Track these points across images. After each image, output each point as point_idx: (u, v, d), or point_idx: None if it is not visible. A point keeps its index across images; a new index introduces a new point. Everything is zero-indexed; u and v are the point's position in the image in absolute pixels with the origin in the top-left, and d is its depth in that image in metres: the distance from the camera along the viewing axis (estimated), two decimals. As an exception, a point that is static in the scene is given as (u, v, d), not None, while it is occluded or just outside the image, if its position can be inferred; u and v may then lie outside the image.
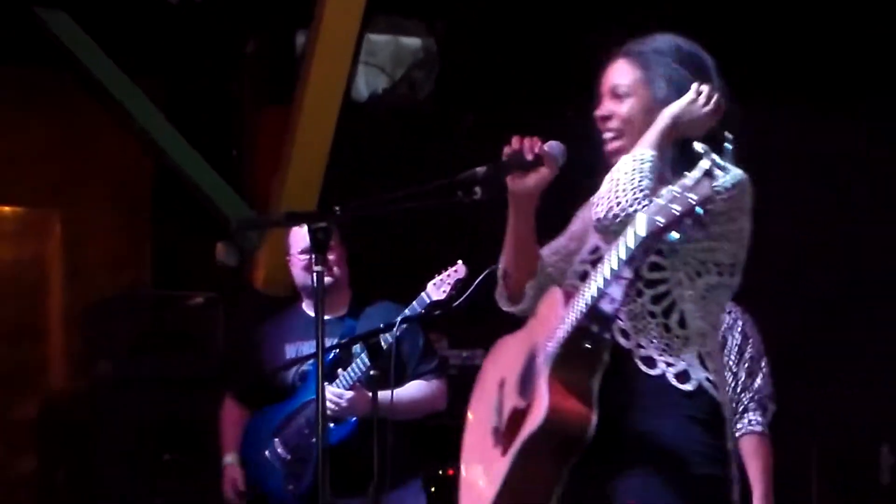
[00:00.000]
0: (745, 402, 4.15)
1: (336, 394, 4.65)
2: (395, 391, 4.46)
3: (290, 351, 4.92)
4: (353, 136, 6.54)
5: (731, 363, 4.15)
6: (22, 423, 7.09)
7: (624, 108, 2.93)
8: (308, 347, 4.80)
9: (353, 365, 4.67)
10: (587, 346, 2.78)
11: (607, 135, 2.95)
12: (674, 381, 2.80)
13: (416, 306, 4.63)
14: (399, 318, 4.50)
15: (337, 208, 3.14)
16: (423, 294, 4.62)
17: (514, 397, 2.90)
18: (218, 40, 6.91)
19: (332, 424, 4.66)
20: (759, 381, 4.17)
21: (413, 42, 6.95)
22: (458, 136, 6.62)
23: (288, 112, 6.51)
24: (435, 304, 4.58)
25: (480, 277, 3.90)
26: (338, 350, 4.69)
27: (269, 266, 6.53)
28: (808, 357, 6.47)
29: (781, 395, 6.26)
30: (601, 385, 2.77)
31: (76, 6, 6.42)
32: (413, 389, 4.81)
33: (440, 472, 5.83)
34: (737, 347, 4.16)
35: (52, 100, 7.03)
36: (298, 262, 4.88)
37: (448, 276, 4.60)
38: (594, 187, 2.89)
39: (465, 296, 4.33)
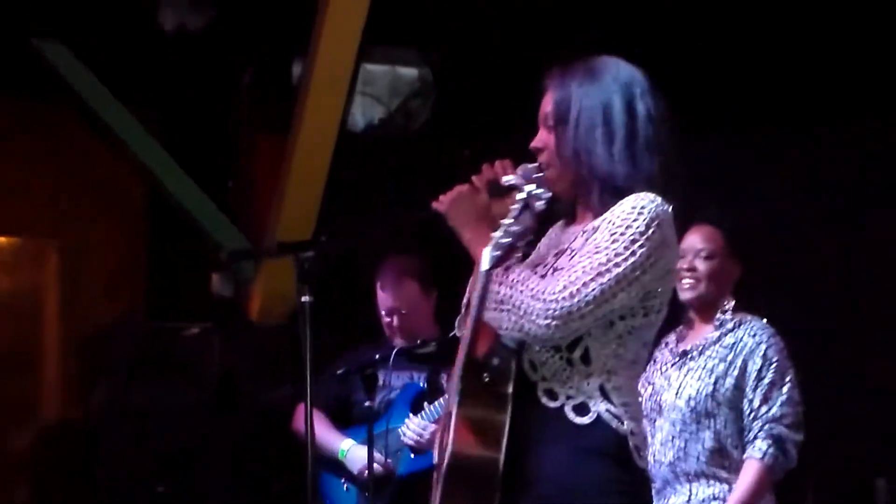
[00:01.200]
0: (756, 430, 4.04)
1: (421, 425, 4.69)
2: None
3: (381, 377, 4.94)
4: (349, 166, 6.53)
5: (747, 389, 4.06)
6: (16, 453, 7.06)
7: (553, 138, 2.88)
8: (395, 378, 4.84)
9: (442, 399, 4.68)
10: (486, 379, 2.77)
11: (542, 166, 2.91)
12: (570, 414, 2.76)
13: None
14: (394, 352, 4.51)
15: (323, 238, 3.15)
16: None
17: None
18: (214, 70, 6.91)
19: (412, 455, 4.69)
20: (775, 409, 4.03)
21: (409, 72, 6.95)
22: (455, 166, 6.61)
23: (284, 142, 6.51)
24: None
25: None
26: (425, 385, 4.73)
27: (265, 297, 6.53)
28: (803, 387, 6.44)
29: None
30: (513, 413, 2.75)
31: (73, 37, 6.42)
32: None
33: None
34: (755, 372, 4.06)
35: (47, 130, 7.02)
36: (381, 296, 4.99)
37: None
38: (562, 214, 2.95)
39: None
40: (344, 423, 5.00)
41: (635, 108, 2.82)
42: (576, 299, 2.68)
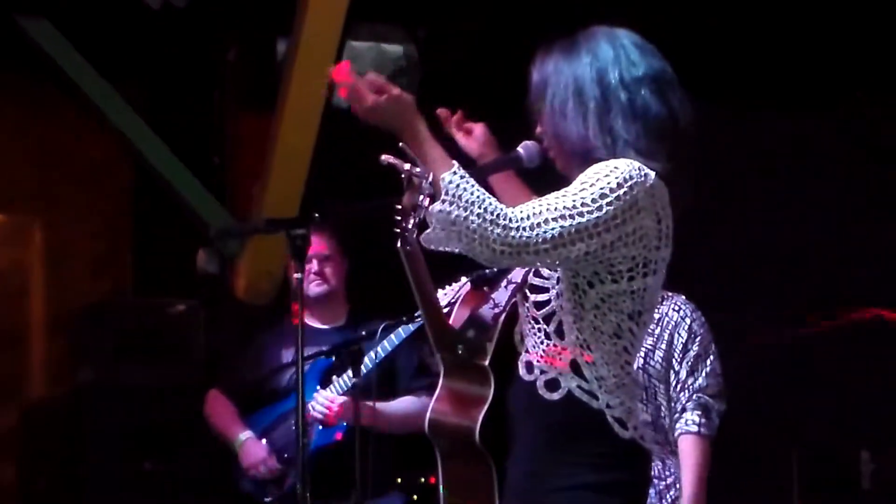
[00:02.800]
0: (683, 402, 4.08)
1: (329, 398, 4.67)
2: (385, 405, 4.48)
3: (287, 357, 4.96)
4: (335, 143, 6.53)
5: (674, 362, 4.11)
6: (2, 431, 7.05)
7: (541, 122, 2.90)
8: (306, 354, 4.83)
9: (347, 371, 4.69)
10: (460, 351, 2.79)
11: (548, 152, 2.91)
12: (541, 391, 2.77)
13: (418, 321, 4.65)
14: (380, 328, 4.51)
15: (316, 215, 3.15)
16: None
17: None
18: (199, 47, 6.89)
19: (320, 427, 4.69)
20: (701, 379, 4.09)
21: (395, 49, 6.94)
22: (442, 142, 6.61)
23: (269, 119, 6.50)
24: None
25: (463, 283, 3.90)
26: (332, 357, 4.72)
27: (251, 274, 6.53)
28: (789, 361, 6.49)
29: (763, 400, 6.31)
30: (499, 385, 2.78)
31: (57, 13, 6.39)
32: (404, 404, 4.83)
33: (422, 480, 5.83)
34: (681, 346, 4.11)
35: (32, 107, 7.00)
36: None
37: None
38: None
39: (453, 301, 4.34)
40: (253, 406, 4.99)
41: (607, 77, 2.78)
42: (535, 232, 2.62)
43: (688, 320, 4.15)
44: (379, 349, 4.63)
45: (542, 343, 2.77)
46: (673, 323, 4.15)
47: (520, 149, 2.93)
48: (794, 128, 6.63)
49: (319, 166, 6.35)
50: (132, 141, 6.67)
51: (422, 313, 2.82)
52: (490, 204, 2.65)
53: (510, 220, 2.63)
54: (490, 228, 2.62)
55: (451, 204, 2.63)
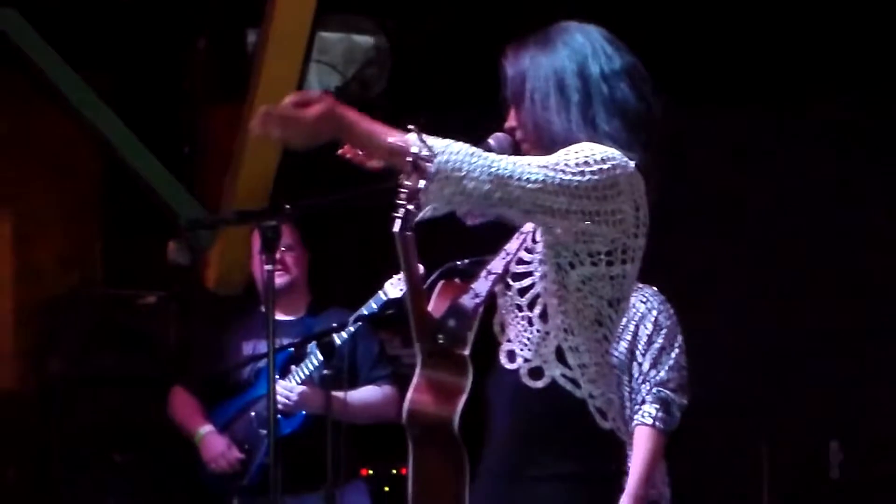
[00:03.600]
0: (644, 394, 4.07)
1: (287, 388, 4.68)
2: (346, 394, 4.47)
3: (248, 349, 4.96)
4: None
5: (638, 353, 4.10)
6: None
7: (517, 116, 2.88)
8: (265, 346, 4.82)
9: (306, 361, 4.69)
10: (440, 340, 2.80)
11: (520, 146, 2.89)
12: (525, 379, 2.77)
13: (373, 305, 4.64)
14: (353, 317, 4.51)
15: (287, 206, 3.14)
16: (379, 293, 4.63)
17: None
18: (168, 36, 6.87)
19: (280, 417, 4.69)
20: (663, 373, 4.08)
21: (365, 40, 6.94)
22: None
23: (239, 109, 6.48)
24: (392, 302, 4.59)
25: (435, 275, 3.90)
26: (293, 348, 4.71)
27: (221, 265, 6.52)
28: (758, 353, 6.52)
29: (732, 392, 6.34)
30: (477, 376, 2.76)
31: (24, 2, 6.36)
32: (365, 393, 4.83)
33: (393, 472, 5.83)
34: (646, 337, 4.10)
35: (-1, 96, 6.97)
36: (256, 261, 4.90)
37: None
38: None
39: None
40: (216, 398, 5.00)
41: (588, 70, 2.80)
42: (519, 169, 2.62)
43: (654, 312, 4.13)
44: (341, 336, 4.60)
45: (525, 331, 2.78)
46: (640, 314, 4.13)
47: (490, 140, 2.92)
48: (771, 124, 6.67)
49: (289, 156, 6.34)
50: (101, 131, 6.64)
51: (408, 300, 2.82)
52: (471, 147, 2.64)
53: (497, 159, 2.64)
54: (476, 163, 2.60)
55: (445, 154, 2.59)
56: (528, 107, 2.83)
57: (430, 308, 2.89)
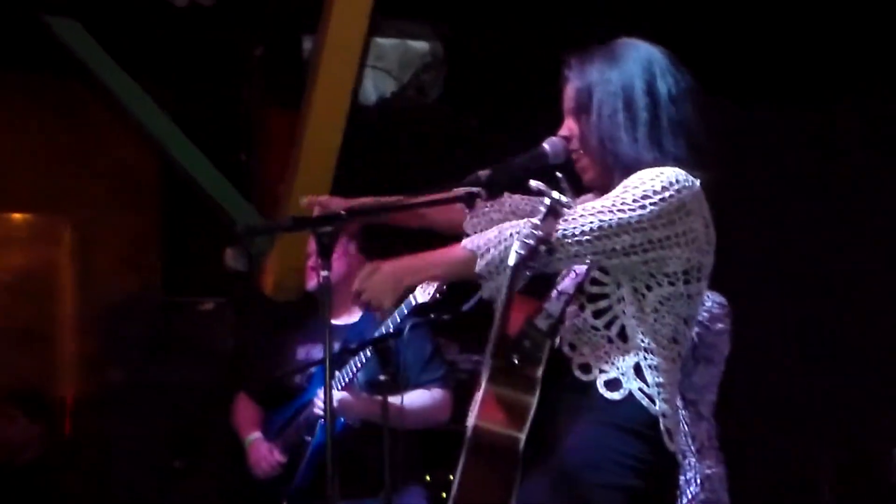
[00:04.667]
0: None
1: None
2: (397, 400, 4.46)
3: (301, 353, 4.95)
4: (361, 140, 6.54)
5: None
6: (32, 429, 7.08)
7: (578, 127, 2.89)
8: (317, 351, 4.83)
9: (347, 367, 4.68)
10: (515, 360, 2.79)
11: (573, 155, 2.92)
12: (602, 389, 2.77)
13: (403, 309, 4.63)
14: (408, 324, 4.49)
15: (343, 213, 3.14)
16: (410, 297, 4.60)
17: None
18: (226, 45, 6.91)
19: (321, 423, 4.70)
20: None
21: (420, 45, 6.95)
22: (466, 139, 6.62)
23: (296, 116, 6.51)
24: (420, 307, 4.56)
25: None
26: (350, 354, 4.70)
27: (278, 271, 6.54)
28: (821, 359, 6.46)
29: (794, 399, 6.29)
30: (543, 392, 2.75)
31: (84, 13, 6.42)
32: (413, 398, 4.79)
33: (451, 478, 5.82)
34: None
35: (60, 106, 7.04)
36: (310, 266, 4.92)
37: None
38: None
39: (473, 300, 4.33)
40: (275, 403, 5.01)
41: (657, 91, 2.81)
42: (572, 226, 2.71)
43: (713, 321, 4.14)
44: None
45: (602, 348, 2.79)
46: (722, 331, 4.14)
47: (545, 145, 2.92)
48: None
49: (346, 163, 6.36)
50: (160, 140, 6.69)
51: (497, 320, 2.83)
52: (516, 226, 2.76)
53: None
54: (528, 226, 2.72)
55: (491, 250, 2.76)
56: (595, 121, 2.83)
57: (497, 321, 2.89)
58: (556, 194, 2.74)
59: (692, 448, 4.12)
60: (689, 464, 4.11)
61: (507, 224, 2.78)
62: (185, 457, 6.35)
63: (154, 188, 7.22)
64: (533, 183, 2.82)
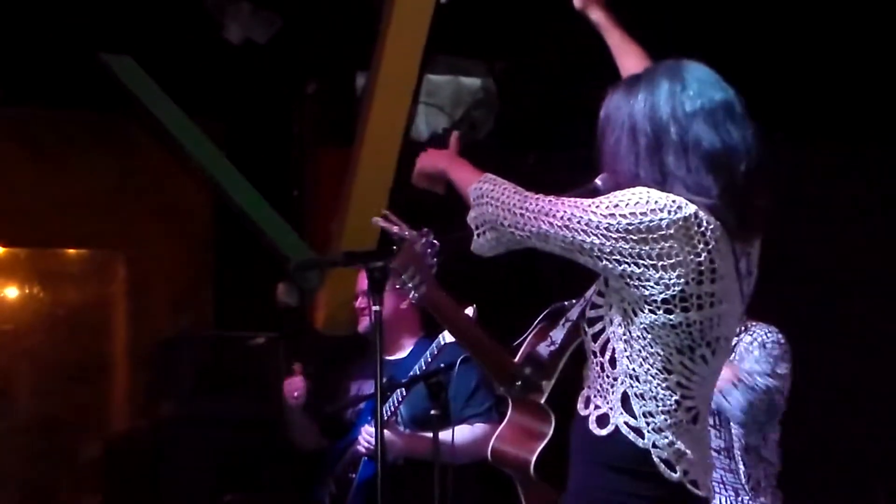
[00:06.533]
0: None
1: (369, 432, 4.68)
2: (438, 434, 4.44)
3: (353, 389, 4.95)
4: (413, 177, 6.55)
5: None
6: (86, 463, 7.13)
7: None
8: (368, 386, 4.83)
9: (388, 404, 4.68)
10: (518, 387, 2.79)
11: None
12: (592, 426, 2.74)
13: (434, 349, 4.62)
14: (458, 360, 4.48)
15: (395, 248, 3.16)
16: (439, 337, 4.59)
17: None
18: (279, 81, 6.96)
19: (364, 460, 4.71)
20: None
21: (473, 82, 6.97)
22: (520, 175, 6.61)
23: (348, 152, 6.54)
24: (448, 346, 4.55)
25: (542, 315, 3.87)
26: (408, 389, 4.70)
27: (330, 306, 6.55)
28: (875, 392, 6.41)
29: (846, 431, 6.23)
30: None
31: (140, 51, 6.49)
32: (457, 434, 4.77)
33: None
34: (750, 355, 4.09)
35: (114, 142, 7.11)
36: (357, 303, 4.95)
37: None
38: None
39: (526, 335, 4.31)
40: (331, 436, 5.03)
41: (658, 113, 2.73)
42: (548, 205, 2.74)
43: (758, 340, 4.10)
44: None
45: (598, 377, 2.76)
46: (744, 347, 4.11)
47: (598, 181, 2.93)
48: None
49: (397, 199, 6.37)
50: (213, 175, 6.73)
51: (469, 352, 2.86)
52: (514, 186, 2.84)
53: (529, 194, 2.80)
54: (510, 194, 2.81)
55: (478, 205, 2.84)
56: (605, 150, 2.82)
57: (523, 347, 2.90)
58: (396, 228, 2.81)
59: (746, 487, 4.08)
60: (742, 501, 4.08)
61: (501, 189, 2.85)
62: (237, 492, 6.35)
63: (207, 224, 7.27)
64: (374, 220, 2.98)
